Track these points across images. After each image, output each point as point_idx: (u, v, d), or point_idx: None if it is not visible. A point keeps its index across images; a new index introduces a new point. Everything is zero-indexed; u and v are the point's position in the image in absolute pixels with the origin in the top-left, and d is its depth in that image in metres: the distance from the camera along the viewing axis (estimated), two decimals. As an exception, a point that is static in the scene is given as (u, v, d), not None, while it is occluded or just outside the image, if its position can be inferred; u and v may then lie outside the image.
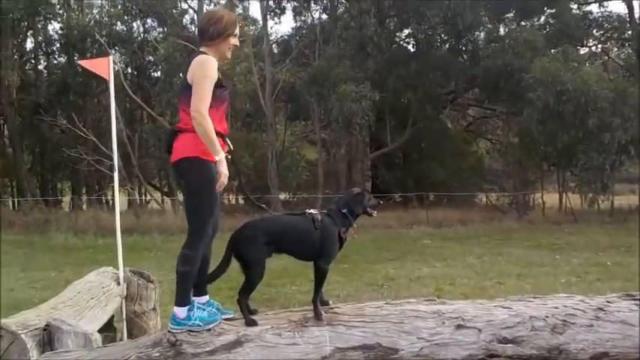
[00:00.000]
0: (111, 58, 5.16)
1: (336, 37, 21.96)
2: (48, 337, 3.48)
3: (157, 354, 3.25)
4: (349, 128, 19.20)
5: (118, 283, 4.87)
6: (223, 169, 3.33)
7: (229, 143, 3.59)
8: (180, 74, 25.02)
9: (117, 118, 19.80)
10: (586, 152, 18.25)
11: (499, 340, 3.70)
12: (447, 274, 9.64)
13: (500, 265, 10.71)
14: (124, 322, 4.87)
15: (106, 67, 5.05)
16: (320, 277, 3.63)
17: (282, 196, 24.57)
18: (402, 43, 24.44)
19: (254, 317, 3.52)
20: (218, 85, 3.40)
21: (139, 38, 26.38)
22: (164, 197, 26.79)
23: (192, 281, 3.38)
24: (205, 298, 3.50)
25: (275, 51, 27.09)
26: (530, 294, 7.69)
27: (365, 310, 3.70)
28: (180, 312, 3.32)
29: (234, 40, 3.57)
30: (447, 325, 3.68)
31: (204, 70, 3.35)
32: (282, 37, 28.48)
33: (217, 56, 3.48)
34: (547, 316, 3.77)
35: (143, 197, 24.66)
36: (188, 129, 3.36)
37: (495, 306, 3.87)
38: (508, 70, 19.20)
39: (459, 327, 3.69)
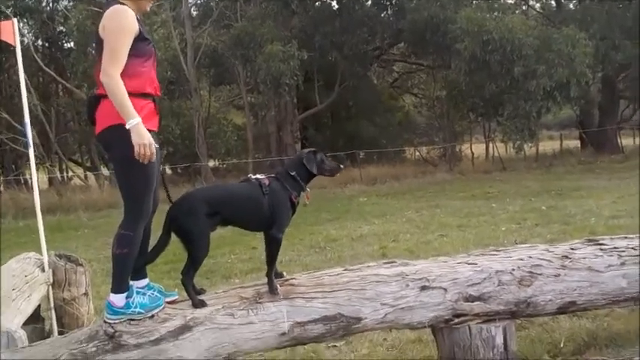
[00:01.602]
0: (15, 21, 4.53)
1: (257, -4, 21.22)
2: (-38, 340, 3.02)
3: (94, 348, 2.85)
4: (278, 89, 18.65)
5: (43, 270, 4.36)
6: (137, 138, 2.81)
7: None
8: (94, 44, 23.76)
9: (29, 92, 18.68)
10: (512, 101, 18.49)
11: (466, 298, 3.50)
12: (389, 231, 9.49)
13: (440, 217, 10.67)
14: (53, 311, 4.39)
15: (10, 31, 4.42)
16: (274, 249, 3.29)
17: (212, 163, 23.90)
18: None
19: (201, 297, 3.16)
20: (140, 39, 2.92)
21: (48, 8, 24.76)
22: (87, 173, 25.62)
23: (130, 265, 2.97)
24: (145, 281, 3.10)
25: (194, 14, 26.01)
26: (475, 245, 7.74)
27: (323, 278, 3.40)
28: (118, 300, 2.92)
29: None
30: (411, 287, 3.45)
31: (119, 21, 2.85)
32: (200, -1, 27.42)
33: (135, 8, 2.98)
34: (513, 269, 3.60)
35: (64, 174, 23.47)
36: (105, 93, 2.90)
37: (459, 263, 3.66)
38: (434, 22, 19.10)
39: (423, 288, 3.46)
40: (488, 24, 17.36)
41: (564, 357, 3.66)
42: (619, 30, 20.12)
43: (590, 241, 3.93)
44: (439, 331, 3.56)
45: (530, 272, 3.60)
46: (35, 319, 4.23)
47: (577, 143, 27.79)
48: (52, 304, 4.39)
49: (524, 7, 27.03)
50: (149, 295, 3.00)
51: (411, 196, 14.96)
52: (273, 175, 3.37)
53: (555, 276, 3.62)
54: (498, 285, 3.53)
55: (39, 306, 4.33)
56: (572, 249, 3.82)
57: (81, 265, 4.60)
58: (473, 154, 23.92)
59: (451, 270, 3.57)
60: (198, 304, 3.07)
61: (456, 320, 3.51)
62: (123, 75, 2.84)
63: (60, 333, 4.35)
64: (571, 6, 26.68)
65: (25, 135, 4.60)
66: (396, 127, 29.47)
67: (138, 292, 2.97)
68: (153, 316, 2.95)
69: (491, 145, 24.53)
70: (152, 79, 3.03)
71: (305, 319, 3.20)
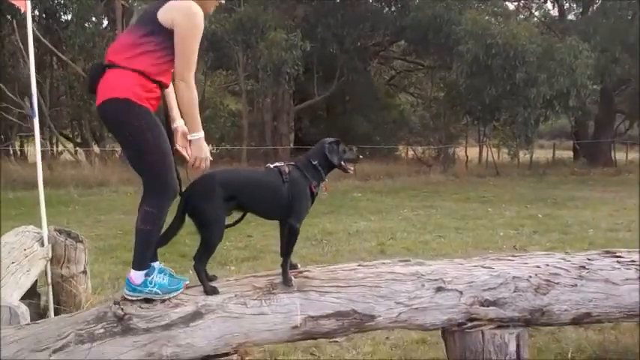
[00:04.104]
0: (27, -17, 4.37)
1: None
2: (-38, 313, 2.89)
3: (101, 330, 2.73)
4: (278, 78, 18.43)
5: (42, 244, 4.23)
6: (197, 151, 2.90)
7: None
8: (94, 17, 23.56)
9: (25, 61, 18.36)
10: (511, 107, 18.46)
11: (481, 302, 3.41)
12: (385, 228, 9.42)
13: (436, 218, 10.61)
14: (50, 287, 4.27)
15: (20, -6, 4.29)
16: (291, 239, 3.19)
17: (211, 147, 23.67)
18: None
19: (213, 284, 3.05)
20: None
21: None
22: (77, 148, 25.29)
23: (153, 243, 2.87)
24: (157, 264, 2.97)
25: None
26: (473, 248, 7.70)
27: (338, 273, 3.30)
28: (137, 277, 2.82)
29: None
30: (427, 287, 3.35)
31: (194, 22, 2.79)
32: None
33: (199, 5, 2.88)
34: (530, 276, 3.52)
35: (54, 148, 23.14)
36: (122, 65, 2.78)
37: (475, 266, 3.57)
38: (437, 22, 18.99)
39: (439, 289, 3.37)
40: (493, 28, 17.31)
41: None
42: (620, 44, 20.15)
43: (608, 253, 3.85)
44: (450, 334, 3.48)
45: (548, 280, 3.52)
46: (31, 295, 4.10)
47: (569, 153, 27.90)
48: (49, 280, 4.27)
49: (526, 14, 27.03)
50: (170, 277, 2.88)
51: (406, 194, 14.90)
52: (293, 164, 3.26)
53: (572, 286, 3.54)
54: (515, 291, 3.45)
55: (35, 282, 4.20)
56: (589, 259, 3.74)
57: (81, 241, 4.50)
58: (467, 157, 23.89)
59: (467, 273, 3.48)
60: (211, 291, 2.96)
61: (469, 324, 3.43)
62: (150, 56, 2.79)
63: (56, 310, 4.25)
64: (572, 16, 26.78)
65: (31, 105, 4.44)
66: (391, 125, 29.35)
67: (161, 272, 2.86)
68: (165, 300, 2.84)
69: (484, 149, 24.52)
70: (170, 73, 2.94)
71: (318, 313, 3.11)
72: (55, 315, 4.17)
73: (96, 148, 21.77)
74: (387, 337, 4.42)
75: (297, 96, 26.17)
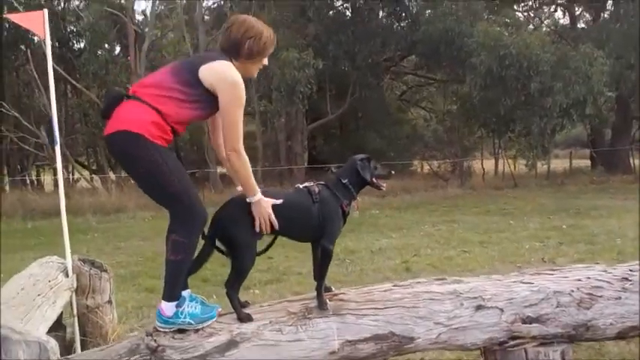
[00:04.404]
0: (46, 11, 4.35)
1: (271, 3, 20.97)
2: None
3: (135, 363, 2.64)
4: (292, 97, 18.42)
5: (67, 275, 4.15)
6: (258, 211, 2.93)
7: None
8: (107, 44, 23.71)
9: (40, 90, 18.52)
10: (525, 117, 18.28)
11: (523, 319, 3.28)
12: (408, 245, 9.27)
13: (459, 232, 10.45)
14: (76, 318, 4.18)
15: (40, 21, 4.26)
16: (325, 261, 3.10)
17: (220, 169, 23.69)
18: (340, 8, 23.66)
19: (246, 311, 2.95)
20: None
21: (60, 7, 24.60)
22: (93, 175, 25.40)
23: (184, 273, 2.80)
24: (186, 293, 2.88)
25: (207, 19, 25.88)
26: (500, 262, 7.54)
27: (374, 294, 3.19)
28: (167, 308, 2.73)
29: (265, 60, 3.04)
30: (466, 306, 3.23)
31: (237, 96, 2.80)
32: (214, 3, 27.29)
33: (242, 72, 2.88)
34: (572, 290, 3.38)
35: (70, 176, 23.25)
36: (144, 99, 2.74)
37: (514, 282, 3.45)
38: (449, 36, 18.91)
39: (478, 308, 3.25)
40: (506, 39, 17.21)
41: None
42: (634, 50, 19.96)
43: (650, 264, 3.71)
44: (491, 353, 3.35)
45: (590, 294, 3.39)
46: (57, 327, 4.01)
47: (586, 162, 27.59)
48: (74, 311, 4.18)
49: (537, 24, 26.94)
50: (201, 306, 2.79)
51: (425, 209, 14.74)
52: (323, 183, 3.18)
53: (616, 299, 3.41)
54: (557, 306, 3.32)
55: (61, 313, 4.12)
56: (631, 270, 3.60)
57: (105, 271, 4.41)
58: (484, 169, 23.68)
59: (506, 289, 3.36)
60: (245, 318, 2.87)
61: (511, 343, 3.30)
62: (177, 104, 2.78)
63: (82, 342, 4.15)
64: (583, 24, 26.63)
65: (51, 132, 4.39)
66: (404, 140, 29.25)
67: (192, 299, 2.77)
68: (198, 330, 2.74)
69: (500, 161, 24.31)
70: (186, 126, 2.92)
71: (356, 337, 3.00)
72: (81, 347, 4.08)
73: (112, 175, 21.82)
74: (422, 359, 4.28)
75: (309, 115, 26.16)
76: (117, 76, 20.74)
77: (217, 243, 2.99)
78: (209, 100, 2.82)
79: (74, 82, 21.37)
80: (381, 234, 10.61)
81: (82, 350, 4.02)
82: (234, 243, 2.94)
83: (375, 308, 3.09)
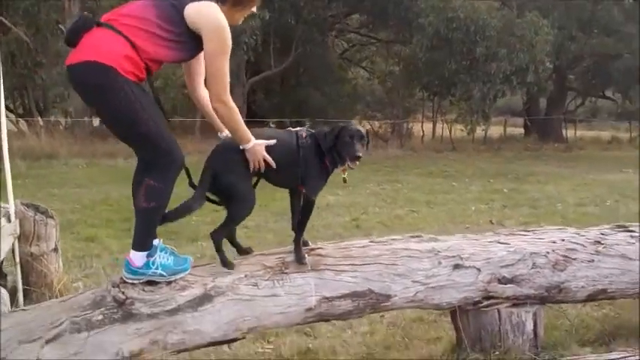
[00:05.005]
0: None
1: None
2: None
3: (100, 317, 2.41)
4: (236, 48, 17.81)
5: (9, 220, 3.80)
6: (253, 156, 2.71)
7: None
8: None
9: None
10: (469, 82, 18.37)
11: (499, 279, 3.23)
12: (355, 203, 9.20)
13: (404, 192, 10.47)
14: (19, 266, 3.85)
15: None
16: (306, 212, 2.92)
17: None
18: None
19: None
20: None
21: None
22: (19, 119, 24.08)
23: (157, 220, 2.55)
24: (157, 242, 2.63)
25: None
26: (450, 223, 7.58)
27: (352, 250, 3.05)
28: (137, 258, 2.50)
29: (254, 8, 2.77)
30: (444, 265, 3.15)
31: (223, 41, 2.56)
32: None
33: (228, 19, 2.61)
34: (548, 252, 3.36)
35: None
36: (118, 28, 2.45)
37: (490, 242, 3.38)
38: (398, -5, 18.71)
39: (456, 267, 3.17)
40: (454, 1, 17.12)
41: (592, 346, 3.44)
42: (576, 21, 20.33)
43: (620, 227, 3.72)
44: (464, 313, 3.28)
45: (565, 256, 3.37)
46: (-3, 275, 3.71)
47: (520, 130, 28.22)
48: (17, 259, 3.85)
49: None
50: (173, 256, 2.56)
51: (368, 168, 14.65)
52: (312, 132, 2.96)
53: (589, 261, 3.40)
54: (532, 267, 3.28)
55: (2, 260, 3.78)
56: (602, 234, 3.60)
57: (52, 217, 4.10)
58: (423, 132, 23.88)
59: (484, 249, 3.29)
60: (228, 265, 2.70)
61: (485, 303, 3.25)
62: (156, 40, 2.51)
63: (25, 292, 3.84)
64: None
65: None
66: (345, 99, 29.10)
67: (162, 250, 2.53)
68: (170, 282, 2.52)
69: (439, 124, 24.54)
70: (160, 67, 2.68)
71: (334, 293, 2.86)
72: (24, 297, 3.78)
73: (40, 120, 20.72)
74: (382, 316, 4.18)
75: (251, 68, 25.52)
76: (48, 14, 19.53)
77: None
78: (190, 42, 2.57)
79: (1, 18, 19.98)
80: (326, 190, 10.44)
81: (24, 300, 3.73)
82: (232, 191, 2.72)
83: (353, 264, 2.95)
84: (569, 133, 25.59)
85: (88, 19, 2.52)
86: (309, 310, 2.80)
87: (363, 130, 2.97)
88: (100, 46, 2.42)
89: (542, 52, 17.38)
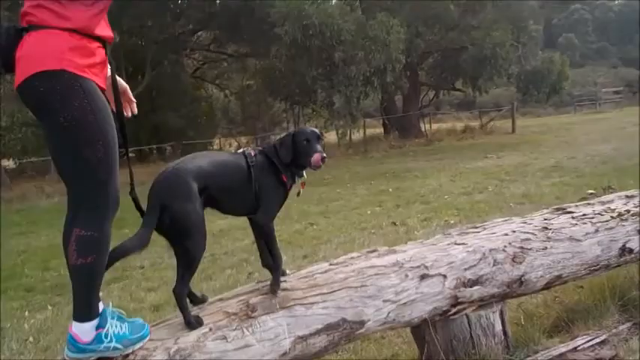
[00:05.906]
0: None
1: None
2: None
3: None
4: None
5: None
6: None
7: None
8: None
9: None
10: (329, 87, 18.55)
11: (464, 283, 3.04)
12: (246, 224, 8.78)
13: (293, 205, 10.17)
14: None
15: None
16: (268, 239, 2.56)
17: (6, 163, 20.90)
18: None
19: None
20: None
21: None
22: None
23: (100, 278, 2.05)
24: (102, 306, 2.13)
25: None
26: (356, 229, 7.39)
27: (316, 278, 2.71)
28: (84, 332, 1.98)
29: None
30: (411, 277, 2.92)
31: None
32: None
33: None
34: (505, 246, 3.23)
35: None
36: (47, 23, 1.93)
37: (448, 244, 3.20)
38: (248, 7, 18.46)
39: (423, 277, 2.95)
40: (308, 8, 17.18)
41: (558, 336, 3.36)
42: (421, 19, 21.18)
43: (558, 210, 3.71)
44: (432, 325, 3.05)
45: (522, 247, 3.27)
46: None
47: (378, 130, 28.99)
48: None
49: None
50: (127, 323, 2.07)
51: (247, 185, 14.33)
52: (260, 148, 2.59)
53: (543, 249, 3.33)
54: (494, 265, 3.14)
55: None
56: (545, 219, 3.55)
57: None
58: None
59: (445, 253, 3.09)
60: (194, 323, 2.26)
61: (453, 310, 3.05)
62: (83, 3, 1.97)
63: None
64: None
65: None
66: (203, 119, 28.51)
67: (114, 317, 2.04)
68: (127, 355, 2.04)
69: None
70: (107, 22, 2.12)
71: (307, 331, 2.51)
72: None
73: None
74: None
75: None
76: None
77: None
78: None
79: None
80: (215, 215, 9.96)
81: None
82: (185, 224, 2.25)
83: (322, 293, 2.62)
84: (426, 127, 26.70)
85: (10, 30, 1.97)
86: (284, 355, 2.42)
87: (317, 130, 2.65)
88: (38, 53, 1.92)
89: (396, 51, 17.93)
